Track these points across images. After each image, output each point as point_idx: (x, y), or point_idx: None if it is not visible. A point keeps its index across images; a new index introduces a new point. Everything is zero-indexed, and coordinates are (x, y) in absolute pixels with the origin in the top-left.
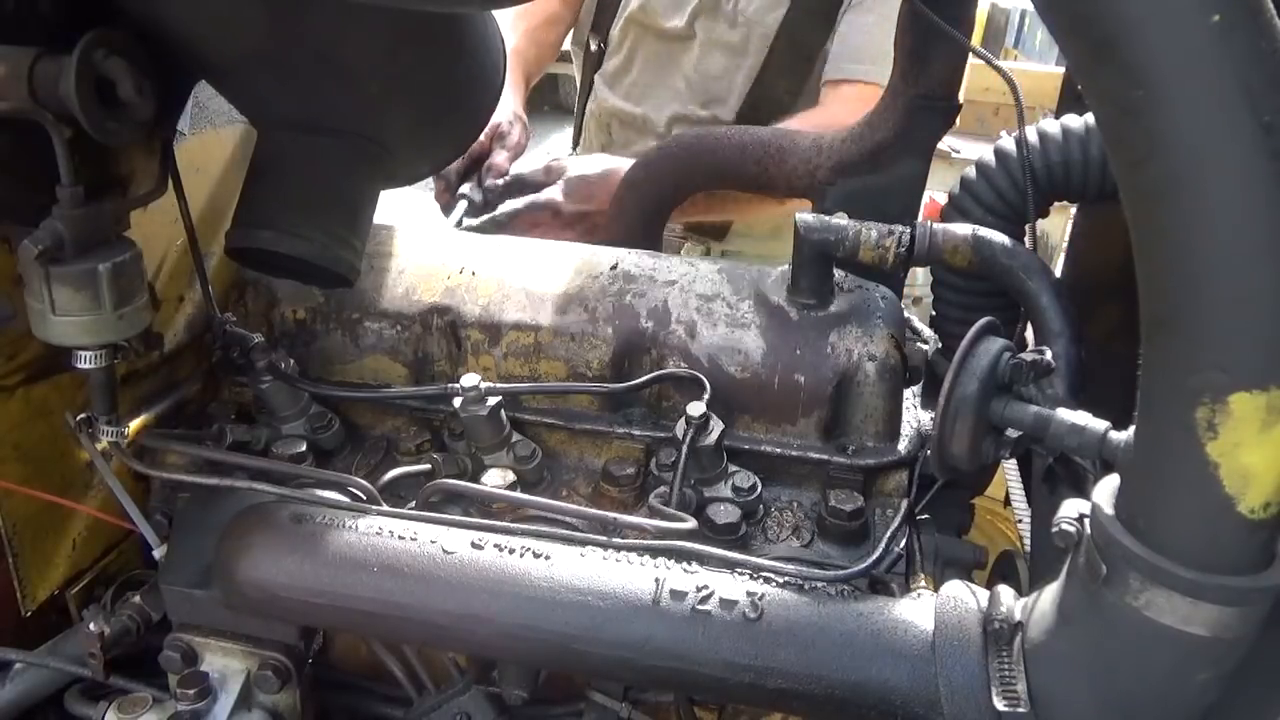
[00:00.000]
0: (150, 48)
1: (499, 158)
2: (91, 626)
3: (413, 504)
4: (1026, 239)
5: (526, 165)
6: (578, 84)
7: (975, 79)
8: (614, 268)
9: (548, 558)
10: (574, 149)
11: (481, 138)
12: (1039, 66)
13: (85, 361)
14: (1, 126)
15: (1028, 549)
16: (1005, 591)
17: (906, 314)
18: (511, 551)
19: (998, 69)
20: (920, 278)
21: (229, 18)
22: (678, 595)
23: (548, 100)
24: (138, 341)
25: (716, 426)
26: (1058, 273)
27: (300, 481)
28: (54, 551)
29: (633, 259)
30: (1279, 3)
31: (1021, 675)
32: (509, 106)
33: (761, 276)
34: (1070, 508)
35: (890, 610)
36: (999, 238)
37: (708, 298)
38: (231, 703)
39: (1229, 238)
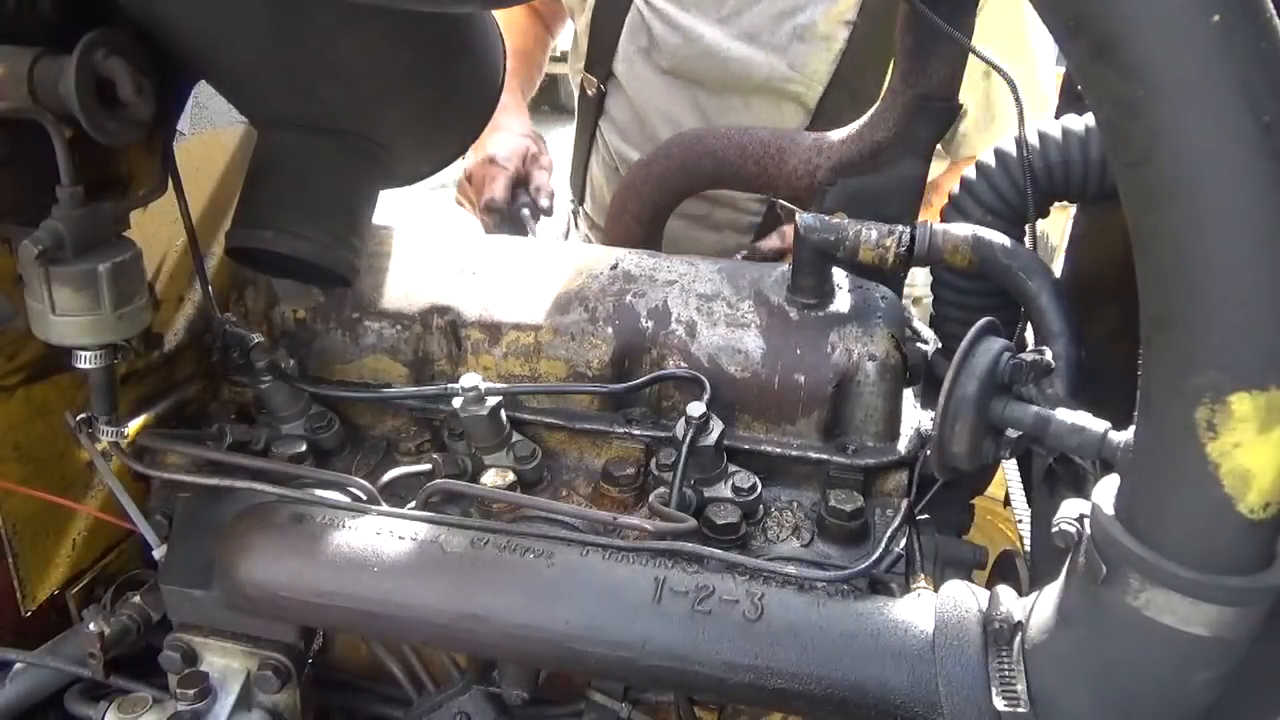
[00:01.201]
0: (150, 48)
1: (541, 178)
2: (91, 626)
3: (413, 504)
4: (1026, 239)
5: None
6: (574, 126)
7: None
8: (614, 267)
9: (548, 558)
10: (577, 202)
11: (517, 162)
12: None
13: (85, 361)
14: (1, 126)
15: (1028, 549)
16: (1005, 591)
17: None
18: (511, 551)
19: (998, 69)
20: (920, 278)
21: (229, 18)
22: (678, 595)
23: (548, 100)
24: (138, 341)
25: (716, 426)
26: (1057, 273)
27: (300, 481)
28: (54, 551)
29: (633, 259)
30: (1279, 3)
31: (1021, 675)
32: (522, 127)
33: (761, 276)
34: (1070, 508)
35: (890, 610)
36: (999, 238)
37: (708, 297)
38: (231, 703)
39: (1229, 237)
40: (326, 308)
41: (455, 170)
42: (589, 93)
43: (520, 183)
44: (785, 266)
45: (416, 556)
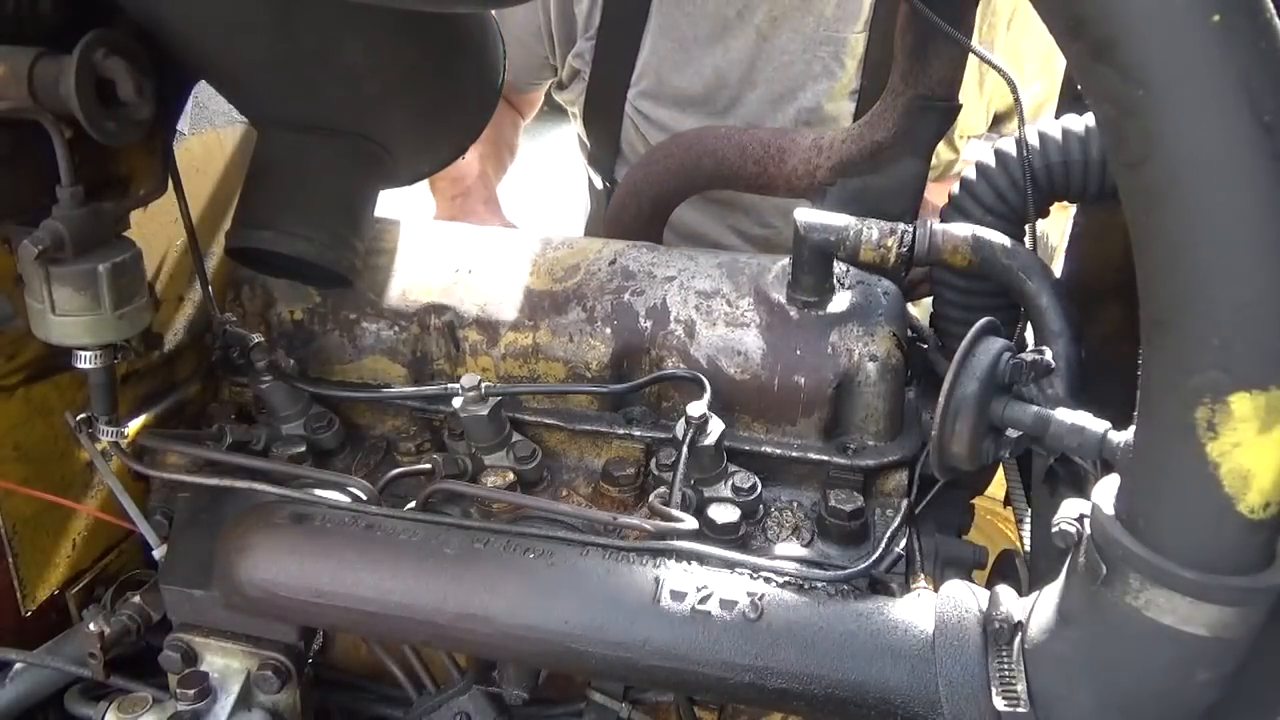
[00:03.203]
0: (150, 48)
1: None
2: (91, 626)
3: (412, 504)
4: (1026, 239)
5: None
6: (586, 213)
7: None
8: (612, 263)
9: (548, 557)
10: None
11: None
12: None
13: (85, 361)
14: (1, 126)
15: (1028, 549)
16: (1005, 591)
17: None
18: (511, 551)
19: (998, 69)
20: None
21: (229, 18)
22: (678, 595)
23: (547, 100)
24: (138, 341)
25: (716, 427)
26: (1058, 273)
27: (300, 481)
28: (54, 551)
29: (632, 253)
30: (1279, 3)
31: (1021, 675)
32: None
33: (761, 271)
34: (1070, 508)
35: (890, 610)
36: (999, 238)
37: (707, 295)
38: (231, 703)
39: (1229, 238)
40: (324, 309)
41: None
42: (597, 186)
43: None
44: (785, 261)
45: (416, 556)
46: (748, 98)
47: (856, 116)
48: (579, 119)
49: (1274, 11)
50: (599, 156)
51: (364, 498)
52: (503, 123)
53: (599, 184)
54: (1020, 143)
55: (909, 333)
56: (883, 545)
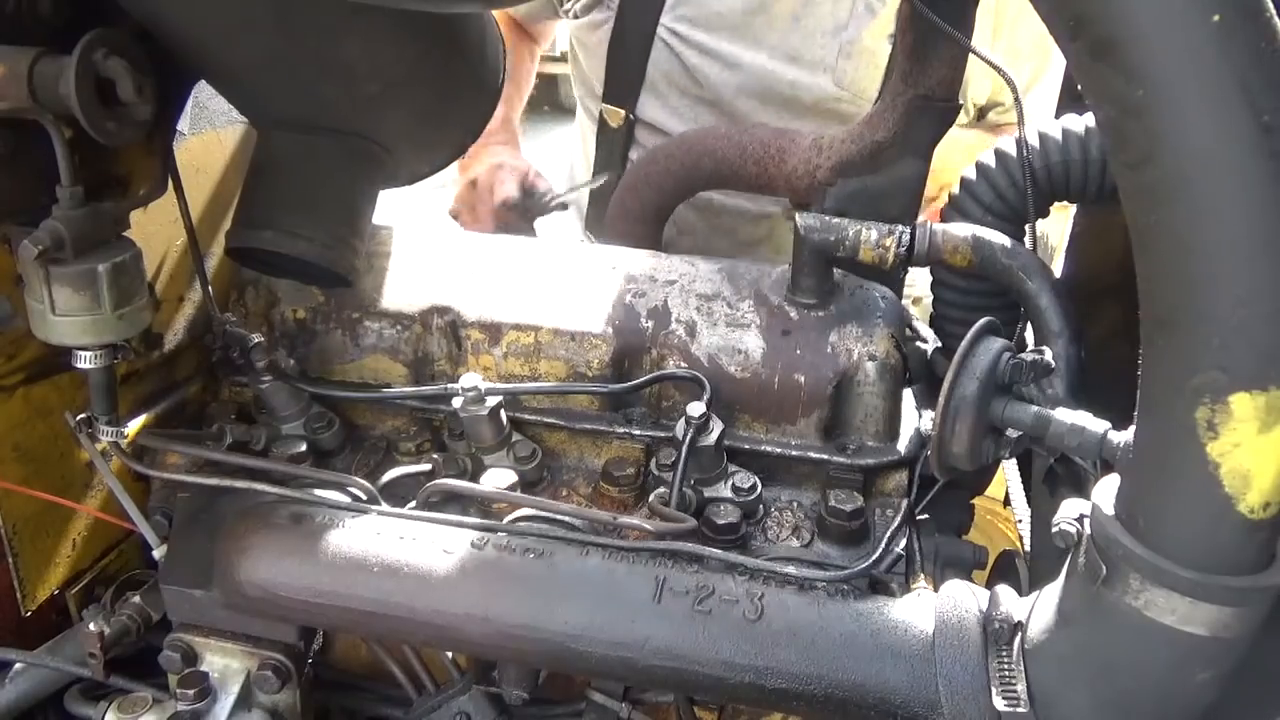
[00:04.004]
0: (150, 48)
1: (546, 186)
2: (91, 626)
3: (413, 504)
4: (1026, 239)
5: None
6: (589, 156)
7: None
8: (614, 268)
9: (548, 557)
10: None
11: (524, 168)
12: None
13: (85, 361)
14: (2, 126)
15: (1028, 549)
16: (1005, 591)
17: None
18: (511, 551)
19: (998, 69)
20: (920, 278)
21: (230, 18)
22: (678, 595)
23: (547, 100)
24: (138, 341)
25: (716, 426)
26: (1058, 273)
27: (300, 481)
28: (54, 551)
29: (633, 258)
30: (1279, 3)
31: (1021, 675)
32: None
33: (761, 276)
34: (1070, 508)
35: (890, 610)
36: (999, 238)
37: (708, 297)
38: (231, 703)
39: (1229, 238)
40: (326, 308)
41: (455, 173)
42: (612, 124)
43: (527, 189)
44: (785, 266)
45: (416, 556)
46: (794, 28)
47: (889, 63)
48: (592, 48)
49: (1274, 11)
50: (619, 88)
51: (364, 498)
52: (520, 53)
53: (616, 121)
54: (1020, 143)
55: (908, 333)
56: (883, 545)
